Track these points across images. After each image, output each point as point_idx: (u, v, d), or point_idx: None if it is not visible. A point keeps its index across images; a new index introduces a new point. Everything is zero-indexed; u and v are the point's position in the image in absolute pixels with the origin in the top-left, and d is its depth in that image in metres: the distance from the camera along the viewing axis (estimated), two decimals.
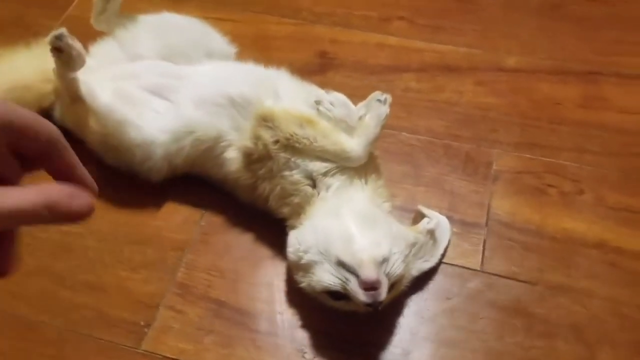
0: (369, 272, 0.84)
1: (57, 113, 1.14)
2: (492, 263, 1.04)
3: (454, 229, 1.06)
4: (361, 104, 1.03)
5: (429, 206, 1.08)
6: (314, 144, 0.97)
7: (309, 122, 0.98)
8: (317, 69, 1.34)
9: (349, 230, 0.91)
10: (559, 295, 1.00)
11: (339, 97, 1.03)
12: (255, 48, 1.34)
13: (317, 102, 1.02)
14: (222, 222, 1.10)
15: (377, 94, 1.01)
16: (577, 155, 1.18)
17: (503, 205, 1.11)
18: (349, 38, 1.40)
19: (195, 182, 1.12)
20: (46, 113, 1.14)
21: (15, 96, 1.10)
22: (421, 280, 1.01)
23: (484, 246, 1.06)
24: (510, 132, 1.22)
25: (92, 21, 1.21)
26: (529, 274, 1.03)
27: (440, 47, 1.37)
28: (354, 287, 0.85)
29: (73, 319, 0.98)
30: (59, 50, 1.00)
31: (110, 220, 1.09)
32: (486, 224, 1.08)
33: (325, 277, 0.88)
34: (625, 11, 1.44)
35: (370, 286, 0.83)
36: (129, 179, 1.10)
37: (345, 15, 1.45)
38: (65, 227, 1.08)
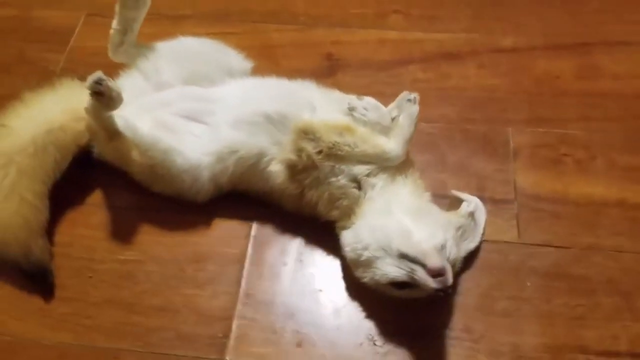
0: (435, 260, 0.91)
1: (96, 150, 1.16)
2: (528, 234, 1.13)
3: (487, 208, 1.14)
4: (392, 106, 1.10)
5: (458, 189, 1.16)
6: (355, 149, 1.03)
7: (348, 129, 1.04)
8: (326, 72, 1.39)
9: (404, 224, 0.98)
10: (592, 254, 1.10)
11: (370, 101, 1.10)
12: (263, 58, 1.38)
13: (351, 109, 1.08)
14: (272, 231, 1.15)
15: (405, 94, 1.08)
16: (583, 124, 1.28)
17: (527, 179, 1.19)
18: (349, 38, 1.46)
19: (237, 197, 1.17)
20: (85, 150, 1.17)
21: (53, 139, 1.12)
22: (468, 260, 1.08)
23: (517, 220, 1.14)
24: (519, 109, 1.30)
25: (110, 54, 1.23)
26: (562, 239, 1.12)
27: (438, 36, 1.44)
28: (423, 276, 0.92)
29: (152, 342, 1.03)
30: (100, 94, 1.02)
31: (166, 243, 1.13)
32: (515, 199, 1.17)
33: (391, 269, 0.95)
34: None
35: (437, 273, 0.91)
36: (175, 203, 1.15)
37: (342, 15, 1.50)
38: (123, 256, 1.12)
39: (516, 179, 1.20)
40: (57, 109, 1.15)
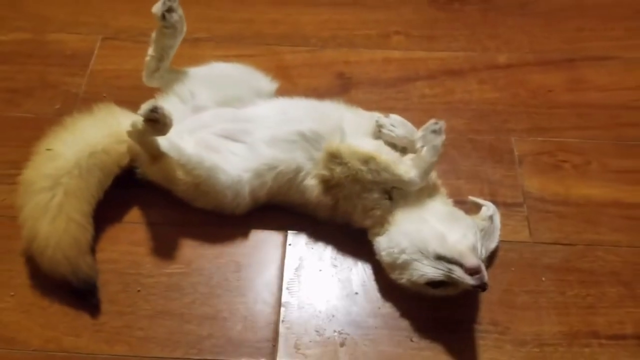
0: (472, 260, 1.01)
1: (140, 170, 1.21)
2: (538, 234, 1.24)
3: (500, 211, 1.25)
4: (418, 135, 1.14)
5: (473, 195, 1.26)
6: (377, 177, 1.11)
7: (372, 158, 1.12)
8: (340, 89, 1.48)
9: (437, 228, 1.08)
10: (595, 250, 1.22)
11: (396, 118, 1.19)
12: (279, 78, 1.44)
13: (380, 126, 1.18)
14: (305, 239, 1.23)
15: (431, 125, 1.13)
16: (576, 132, 1.40)
17: (533, 184, 1.31)
18: (357, 57, 1.55)
19: (271, 208, 1.24)
20: (126, 171, 1.22)
21: (96, 161, 1.17)
22: (489, 260, 1.18)
23: (528, 221, 1.25)
24: (519, 120, 1.42)
25: (144, 80, 1.29)
26: (568, 237, 1.23)
27: (440, 54, 1.55)
28: (461, 275, 1.01)
29: (205, 349, 1.09)
30: (155, 121, 1.07)
31: (207, 256, 1.19)
32: (524, 202, 1.28)
33: (429, 270, 1.04)
34: (580, 2, 1.67)
35: (475, 271, 1.00)
36: (212, 217, 1.21)
37: (348, 36, 1.59)
38: (169, 269, 1.18)
39: (523, 183, 1.31)
40: (98, 133, 1.20)
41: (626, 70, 1.51)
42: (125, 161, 1.21)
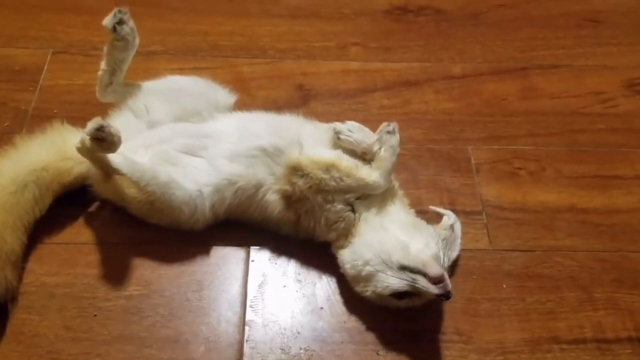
0: (435, 269, 0.98)
1: (93, 189, 1.14)
2: (497, 241, 1.22)
3: (460, 220, 1.22)
4: (374, 138, 1.13)
5: (433, 204, 1.24)
6: (341, 184, 1.08)
7: (333, 165, 1.08)
8: (299, 101, 1.44)
9: (400, 239, 1.04)
10: (553, 255, 1.21)
11: (353, 123, 1.16)
12: (238, 91, 1.38)
13: (337, 132, 1.14)
14: (269, 255, 1.17)
15: (385, 126, 1.13)
16: (531, 139, 1.40)
17: (490, 192, 1.29)
18: (316, 69, 1.51)
19: (232, 224, 1.18)
20: (80, 190, 1.15)
21: (34, 178, 1.10)
22: (450, 268, 1.16)
23: (487, 229, 1.23)
24: (475, 129, 1.41)
25: (97, 95, 1.22)
26: (526, 243, 1.22)
27: (396, 66, 1.53)
28: (425, 284, 0.98)
29: None
30: (101, 140, 1.01)
31: (167, 275, 1.13)
32: (482, 210, 1.26)
33: (393, 281, 1.01)
34: (530, 11, 1.67)
35: (438, 280, 0.97)
36: (171, 234, 1.15)
37: (307, 48, 1.55)
38: (127, 292, 1.11)
39: (481, 191, 1.29)
40: (42, 151, 1.14)
41: (575, 77, 1.52)
42: (67, 179, 1.13)
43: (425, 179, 1.31)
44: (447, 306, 1.13)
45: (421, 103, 1.45)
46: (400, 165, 1.31)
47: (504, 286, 1.16)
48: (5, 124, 1.34)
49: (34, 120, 1.34)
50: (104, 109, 1.23)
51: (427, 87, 1.49)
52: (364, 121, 1.20)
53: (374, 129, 1.19)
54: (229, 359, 1.05)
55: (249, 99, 1.41)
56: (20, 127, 1.33)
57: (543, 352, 1.08)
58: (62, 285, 1.10)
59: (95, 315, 1.08)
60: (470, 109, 1.45)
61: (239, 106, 1.29)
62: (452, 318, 1.12)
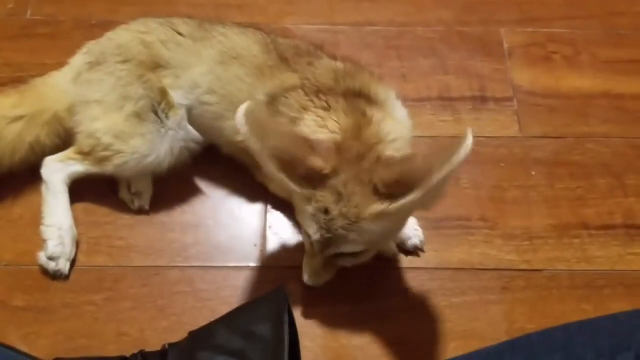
0: None
1: None
2: (528, 128, 1.15)
3: (490, 106, 1.15)
4: None
5: (462, 91, 1.16)
6: None
7: None
8: None
9: None
10: (586, 142, 1.14)
11: None
12: None
13: None
14: None
15: None
16: (566, 22, 1.28)
17: (523, 77, 1.20)
18: None
19: None
20: None
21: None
22: (477, 156, 1.09)
23: (517, 115, 1.16)
24: (508, 10, 1.29)
25: None
26: (558, 130, 1.15)
27: None
28: None
29: (191, 255, 1.00)
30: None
31: None
32: (514, 96, 1.18)
33: None
34: None
35: None
36: None
37: None
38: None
39: (512, 76, 1.21)
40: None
41: None
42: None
43: (454, 63, 1.22)
44: (473, 194, 1.08)
45: None
46: (427, 50, 1.23)
47: (533, 173, 1.10)
48: (9, 6, 1.25)
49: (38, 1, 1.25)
50: None
51: None
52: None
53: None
54: (251, 243, 1.02)
55: None
56: (25, 10, 1.24)
57: (570, 237, 1.04)
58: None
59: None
60: None
61: None
62: (477, 205, 1.07)
